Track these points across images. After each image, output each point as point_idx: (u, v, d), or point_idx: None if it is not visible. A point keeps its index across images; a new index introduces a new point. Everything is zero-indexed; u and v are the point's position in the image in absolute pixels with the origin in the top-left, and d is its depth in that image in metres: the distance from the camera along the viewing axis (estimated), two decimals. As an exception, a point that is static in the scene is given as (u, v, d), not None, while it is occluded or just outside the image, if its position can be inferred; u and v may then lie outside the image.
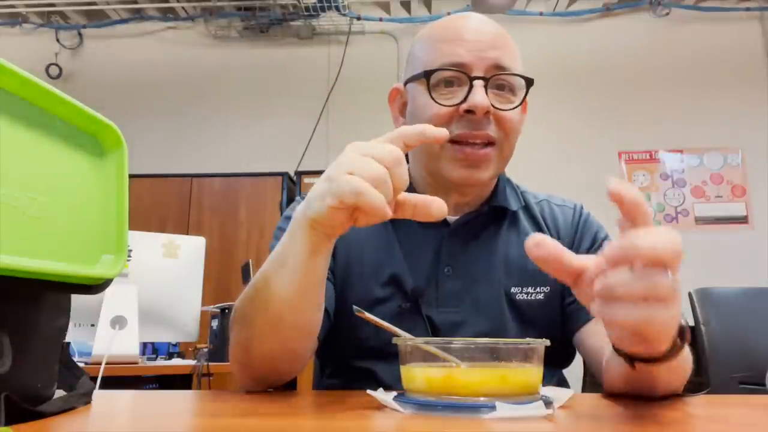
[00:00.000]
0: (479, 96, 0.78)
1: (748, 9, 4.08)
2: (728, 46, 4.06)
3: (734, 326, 1.69)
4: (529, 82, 0.82)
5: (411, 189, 0.88)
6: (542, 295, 0.86)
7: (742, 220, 3.87)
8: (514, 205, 0.90)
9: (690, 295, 1.75)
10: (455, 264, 0.85)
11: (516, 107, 0.81)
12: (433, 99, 0.80)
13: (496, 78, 0.80)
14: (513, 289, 0.85)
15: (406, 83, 0.88)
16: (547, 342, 0.53)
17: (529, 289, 0.85)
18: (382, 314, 0.80)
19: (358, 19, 4.21)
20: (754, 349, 1.62)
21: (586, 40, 4.17)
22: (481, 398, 0.48)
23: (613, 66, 4.11)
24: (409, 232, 0.87)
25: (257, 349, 0.67)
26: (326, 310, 0.80)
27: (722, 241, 3.82)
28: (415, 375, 0.52)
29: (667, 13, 4.09)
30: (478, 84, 0.78)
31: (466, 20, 0.84)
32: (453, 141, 0.80)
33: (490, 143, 0.80)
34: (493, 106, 0.79)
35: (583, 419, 0.48)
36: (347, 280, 0.86)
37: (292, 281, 0.61)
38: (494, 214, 0.89)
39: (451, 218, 0.88)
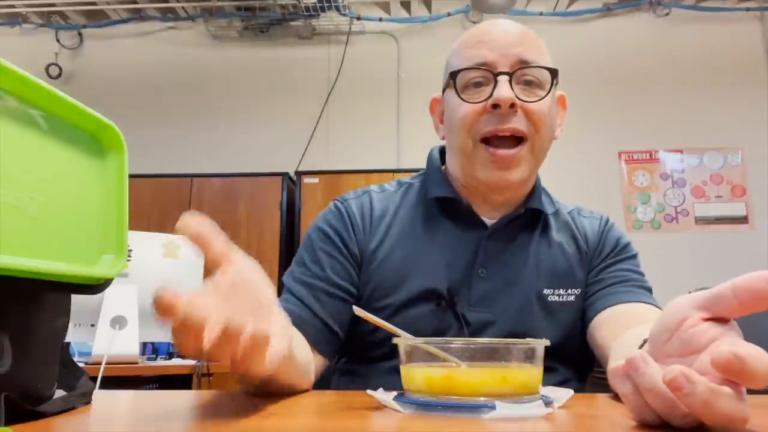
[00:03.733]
0: (503, 89, 0.79)
1: (748, 9, 4.08)
2: (728, 46, 4.06)
3: (734, 326, 1.68)
4: (554, 73, 0.84)
5: (451, 191, 0.90)
6: (573, 296, 0.88)
7: (742, 220, 3.87)
8: (549, 208, 0.92)
9: (690, 295, 1.74)
10: (489, 266, 0.87)
11: (542, 99, 0.82)
12: (462, 99, 0.82)
13: (521, 72, 0.81)
14: (545, 291, 0.87)
15: (443, 92, 0.90)
16: (547, 342, 0.53)
17: (561, 291, 0.87)
18: (419, 312, 0.84)
19: (358, 19, 4.21)
20: (754, 349, 1.62)
21: (586, 40, 4.17)
22: (481, 398, 0.48)
23: (613, 66, 4.11)
24: (446, 233, 0.89)
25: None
26: (337, 331, 0.84)
27: (722, 241, 3.82)
28: (415, 375, 0.53)
29: (667, 13, 4.09)
30: (503, 79, 0.80)
31: (492, 25, 0.86)
32: (484, 140, 0.82)
33: (519, 139, 0.81)
34: (519, 98, 0.80)
35: (583, 419, 0.48)
36: (380, 286, 0.87)
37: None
38: (530, 218, 0.91)
39: (489, 221, 0.89)
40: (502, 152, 0.81)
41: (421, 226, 0.90)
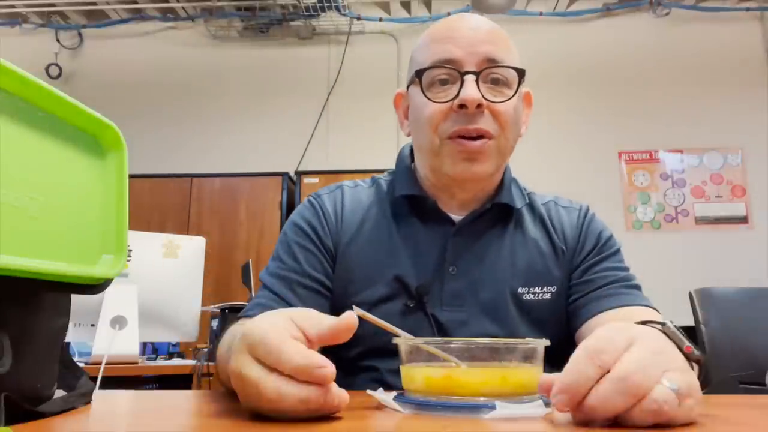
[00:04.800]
0: (470, 89, 0.78)
1: (748, 9, 4.08)
2: (728, 46, 4.06)
3: (734, 326, 1.68)
4: (521, 73, 0.82)
5: (418, 188, 0.89)
6: (549, 294, 0.86)
7: (742, 220, 3.87)
8: (518, 203, 0.90)
9: (690, 295, 1.74)
10: (460, 263, 0.85)
11: (509, 99, 0.81)
12: (427, 98, 0.81)
13: (489, 71, 0.80)
14: (520, 290, 0.85)
15: (408, 87, 0.89)
16: (547, 342, 0.53)
17: (536, 289, 0.86)
18: (388, 313, 0.82)
19: (358, 19, 4.21)
20: (754, 349, 1.62)
21: (586, 40, 4.17)
22: (481, 398, 0.48)
23: (613, 66, 4.11)
24: (415, 231, 0.88)
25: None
26: None
27: (722, 241, 3.82)
28: (415, 375, 0.53)
29: (667, 13, 4.09)
30: (469, 78, 0.79)
31: (460, 20, 0.85)
32: (450, 138, 0.81)
33: (486, 136, 0.80)
34: (486, 98, 0.79)
35: (583, 419, 0.48)
36: (352, 282, 0.86)
37: None
38: (499, 213, 0.89)
39: (457, 217, 0.88)
40: (470, 143, 0.80)
41: (390, 225, 0.89)
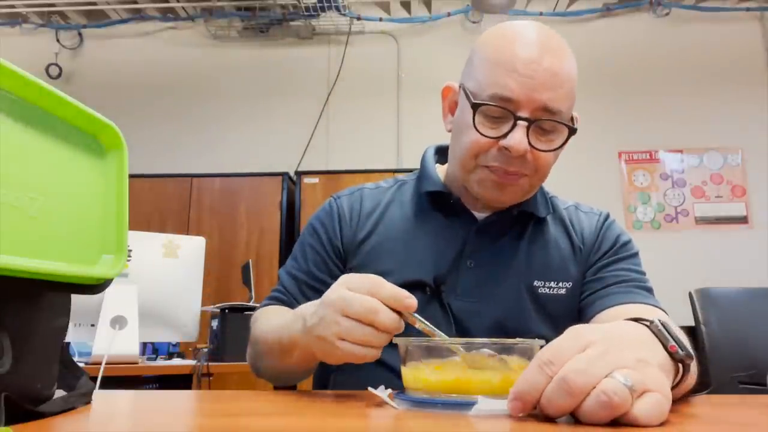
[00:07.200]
0: (518, 137, 0.77)
1: (748, 9, 4.08)
2: (728, 46, 4.06)
3: (734, 326, 1.68)
4: (572, 132, 0.81)
5: (443, 186, 0.91)
6: (564, 290, 0.88)
7: (742, 220, 3.87)
8: (542, 212, 0.92)
9: (690, 295, 1.75)
10: (478, 258, 0.88)
11: (554, 150, 0.81)
12: (476, 128, 0.80)
13: (541, 121, 0.78)
14: (536, 282, 0.87)
15: (460, 87, 0.86)
16: (544, 342, 0.53)
17: (552, 284, 0.88)
18: None
19: (358, 19, 4.21)
20: (754, 349, 1.62)
21: (586, 40, 4.17)
22: (478, 396, 0.48)
23: (613, 66, 4.11)
24: (436, 225, 0.90)
25: (263, 372, 0.84)
26: None
27: (722, 241, 3.82)
28: (413, 374, 0.53)
29: (667, 13, 4.09)
30: (521, 125, 0.77)
31: (530, 49, 0.78)
32: (486, 166, 0.81)
33: (521, 174, 0.81)
34: (531, 145, 0.78)
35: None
36: (370, 272, 0.87)
37: (290, 363, 0.75)
38: (522, 216, 0.91)
39: (480, 215, 0.90)
40: (504, 178, 0.81)
41: (411, 220, 0.91)
